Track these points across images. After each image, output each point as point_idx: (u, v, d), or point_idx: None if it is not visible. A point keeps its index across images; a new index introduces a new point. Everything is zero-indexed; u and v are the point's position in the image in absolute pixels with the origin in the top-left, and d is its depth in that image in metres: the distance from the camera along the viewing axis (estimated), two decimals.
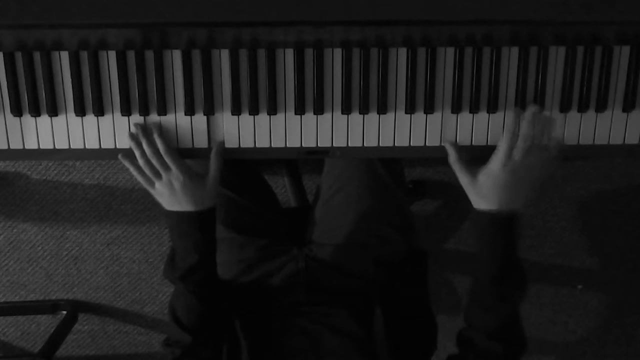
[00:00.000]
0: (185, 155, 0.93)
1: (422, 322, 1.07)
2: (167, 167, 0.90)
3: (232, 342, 1.01)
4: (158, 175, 0.90)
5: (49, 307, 1.86)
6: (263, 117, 0.92)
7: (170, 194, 0.91)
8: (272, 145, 0.93)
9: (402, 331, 0.99)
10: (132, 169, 0.91)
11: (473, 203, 0.91)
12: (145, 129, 0.90)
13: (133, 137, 0.90)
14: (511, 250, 0.90)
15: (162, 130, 0.92)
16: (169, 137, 0.92)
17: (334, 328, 1.00)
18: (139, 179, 0.91)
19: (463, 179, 0.90)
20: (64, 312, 1.83)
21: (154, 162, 0.90)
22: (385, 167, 1.07)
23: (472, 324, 0.93)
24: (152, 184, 0.91)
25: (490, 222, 0.89)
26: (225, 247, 1.05)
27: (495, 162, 0.87)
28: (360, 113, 0.92)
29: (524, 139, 0.86)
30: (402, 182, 1.13)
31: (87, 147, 0.92)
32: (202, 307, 0.93)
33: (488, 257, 0.90)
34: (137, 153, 0.90)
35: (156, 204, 0.95)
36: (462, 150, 0.91)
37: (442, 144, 0.92)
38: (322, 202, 1.11)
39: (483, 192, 0.88)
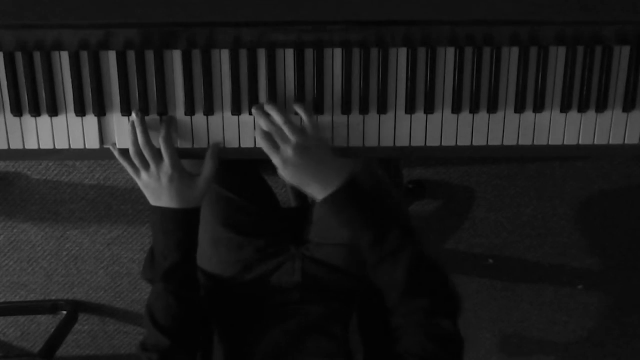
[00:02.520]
0: (185, 155, 0.93)
1: None
2: (158, 160, 0.88)
3: (205, 347, 1.00)
4: (146, 165, 0.89)
5: (49, 307, 1.86)
6: None
7: (156, 187, 0.89)
8: None
9: (381, 333, 0.98)
10: (118, 157, 0.91)
11: (314, 197, 0.90)
12: (142, 119, 0.89)
13: (132, 124, 0.89)
14: (368, 212, 0.88)
15: (175, 122, 0.91)
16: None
17: (323, 328, 1.00)
18: (125, 166, 0.90)
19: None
20: (64, 312, 1.83)
21: (145, 152, 0.88)
22: (383, 167, 1.07)
23: (386, 296, 0.89)
24: (138, 173, 0.90)
25: (331, 204, 0.88)
26: (223, 247, 1.05)
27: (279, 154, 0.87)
28: (360, 113, 0.92)
29: (283, 139, 0.86)
30: (400, 182, 1.13)
31: (87, 147, 0.92)
32: (181, 308, 0.91)
33: (353, 233, 0.89)
34: (130, 140, 0.89)
35: None
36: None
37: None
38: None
39: (295, 180, 0.88)
